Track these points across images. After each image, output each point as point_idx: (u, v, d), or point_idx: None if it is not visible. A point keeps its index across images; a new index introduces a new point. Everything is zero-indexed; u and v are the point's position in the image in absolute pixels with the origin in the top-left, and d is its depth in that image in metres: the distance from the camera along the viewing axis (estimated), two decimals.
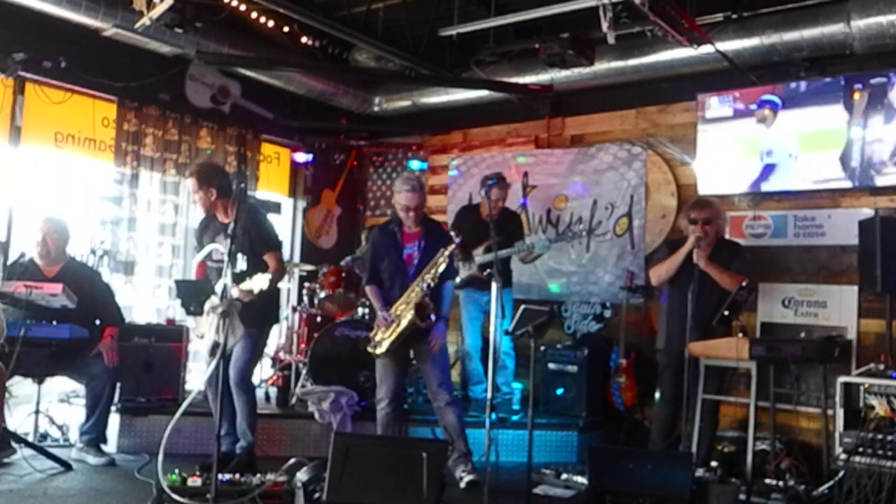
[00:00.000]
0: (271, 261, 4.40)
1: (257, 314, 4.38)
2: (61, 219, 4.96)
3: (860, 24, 4.88)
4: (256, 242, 4.39)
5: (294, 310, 6.43)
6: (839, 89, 5.21)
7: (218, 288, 3.78)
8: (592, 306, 6.34)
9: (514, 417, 5.41)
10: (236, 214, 4.16)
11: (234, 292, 3.95)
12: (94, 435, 4.68)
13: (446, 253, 4.43)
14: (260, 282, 3.98)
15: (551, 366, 5.81)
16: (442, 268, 4.42)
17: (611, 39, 4.66)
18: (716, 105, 5.75)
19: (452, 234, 4.92)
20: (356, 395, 5.26)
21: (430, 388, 4.60)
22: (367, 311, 5.87)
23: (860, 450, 4.03)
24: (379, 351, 4.52)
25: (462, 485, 4.37)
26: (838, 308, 5.23)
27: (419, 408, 5.51)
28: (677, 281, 4.79)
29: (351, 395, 5.21)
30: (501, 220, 5.44)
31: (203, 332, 3.99)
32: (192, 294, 4.07)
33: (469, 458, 4.51)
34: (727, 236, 5.65)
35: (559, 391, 5.72)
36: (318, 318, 5.93)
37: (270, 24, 5.91)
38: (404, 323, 4.40)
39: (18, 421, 4.84)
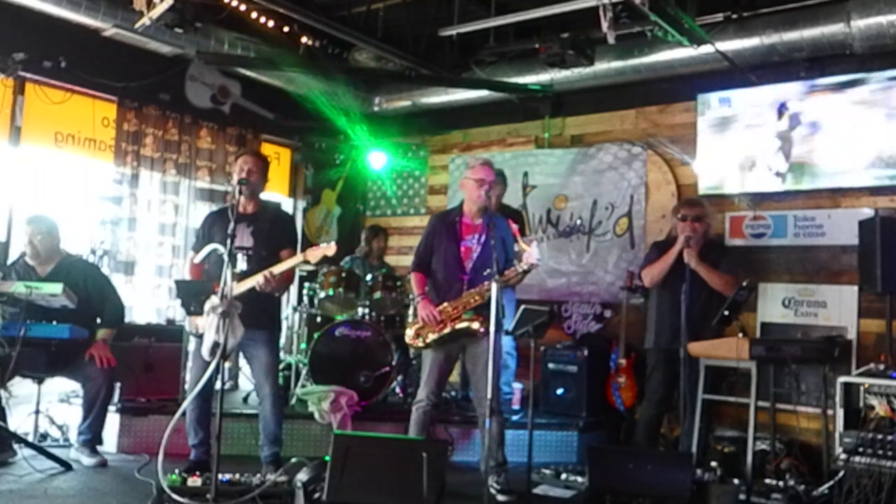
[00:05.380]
0: (289, 256, 4.35)
1: (275, 315, 4.44)
2: (46, 217, 4.85)
3: (860, 24, 4.88)
4: (281, 235, 4.40)
5: (294, 310, 6.43)
6: None
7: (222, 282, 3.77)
8: (592, 306, 6.34)
9: (514, 417, 5.41)
10: (261, 207, 4.25)
11: (302, 257, 4.06)
12: (90, 436, 4.67)
13: (522, 268, 4.17)
14: (327, 248, 4.05)
15: (551, 366, 5.81)
16: (514, 281, 4.24)
17: (611, 39, 4.66)
18: (716, 105, 5.75)
19: (525, 243, 4.21)
20: (356, 395, 5.26)
21: (476, 393, 4.39)
22: (366, 311, 5.88)
23: (860, 450, 4.03)
24: (420, 344, 4.36)
25: (498, 497, 4.26)
26: (838, 308, 5.23)
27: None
28: (667, 280, 4.83)
29: (351, 395, 5.20)
30: None
31: (202, 331, 3.98)
32: (192, 294, 4.07)
33: (504, 469, 4.36)
34: (727, 236, 5.71)
35: (559, 391, 5.72)
36: (318, 318, 5.93)
37: (270, 24, 5.91)
38: (459, 326, 4.21)
39: (18, 421, 4.84)
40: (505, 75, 6.40)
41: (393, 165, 7.45)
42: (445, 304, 4.28)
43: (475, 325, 4.18)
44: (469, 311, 4.22)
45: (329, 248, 4.09)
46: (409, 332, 4.44)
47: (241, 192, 4.13)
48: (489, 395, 3.83)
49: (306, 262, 4.13)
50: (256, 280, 4.05)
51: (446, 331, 4.26)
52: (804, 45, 5.16)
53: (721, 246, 5.08)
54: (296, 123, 7.24)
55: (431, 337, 4.30)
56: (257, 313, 4.04)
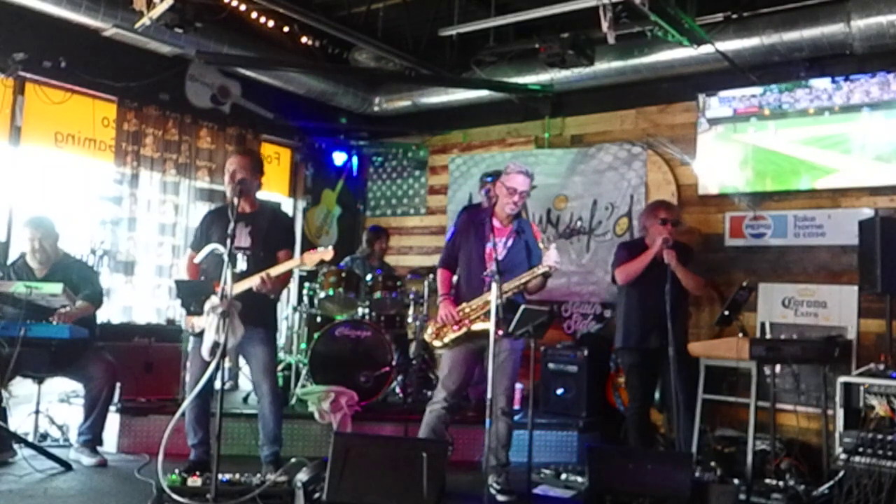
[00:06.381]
0: (286, 257, 4.37)
1: (272, 315, 4.42)
2: (46, 218, 4.86)
3: (860, 24, 4.88)
4: (279, 235, 4.39)
5: (294, 310, 6.43)
6: None
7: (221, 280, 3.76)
8: (592, 306, 6.34)
9: (515, 417, 5.40)
10: (259, 207, 4.26)
11: (299, 261, 4.08)
12: (91, 436, 4.67)
13: (541, 271, 4.22)
14: (325, 253, 4.07)
15: (551, 366, 5.81)
16: (531, 284, 4.25)
17: (611, 39, 4.66)
18: (716, 105, 5.76)
19: (544, 247, 4.35)
20: (356, 395, 5.26)
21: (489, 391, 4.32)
22: (366, 311, 5.88)
23: (860, 450, 4.03)
24: (439, 343, 4.36)
25: (498, 497, 4.26)
26: (838, 308, 5.22)
27: None
28: (636, 280, 4.86)
29: (351, 395, 5.21)
30: None
31: (200, 328, 3.98)
32: (192, 294, 4.07)
33: (505, 470, 4.36)
34: (727, 236, 5.72)
35: (559, 391, 5.72)
36: (318, 318, 5.93)
37: (270, 24, 5.92)
38: (476, 328, 4.20)
39: (18, 421, 4.85)
40: (505, 75, 6.40)
41: (393, 165, 7.46)
42: (464, 304, 4.30)
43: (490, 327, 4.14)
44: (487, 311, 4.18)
45: (326, 253, 4.10)
46: (429, 330, 4.43)
47: (239, 197, 4.12)
48: (489, 395, 3.82)
49: (303, 265, 4.14)
50: (253, 281, 4.06)
51: (463, 331, 4.26)
52: (804, 45, 5.16)
53: (688, 248, 5.10)
54: (296, 123, 7.24)
55: (450, 336, 4.31)
56: (254, 312, 4.03)
